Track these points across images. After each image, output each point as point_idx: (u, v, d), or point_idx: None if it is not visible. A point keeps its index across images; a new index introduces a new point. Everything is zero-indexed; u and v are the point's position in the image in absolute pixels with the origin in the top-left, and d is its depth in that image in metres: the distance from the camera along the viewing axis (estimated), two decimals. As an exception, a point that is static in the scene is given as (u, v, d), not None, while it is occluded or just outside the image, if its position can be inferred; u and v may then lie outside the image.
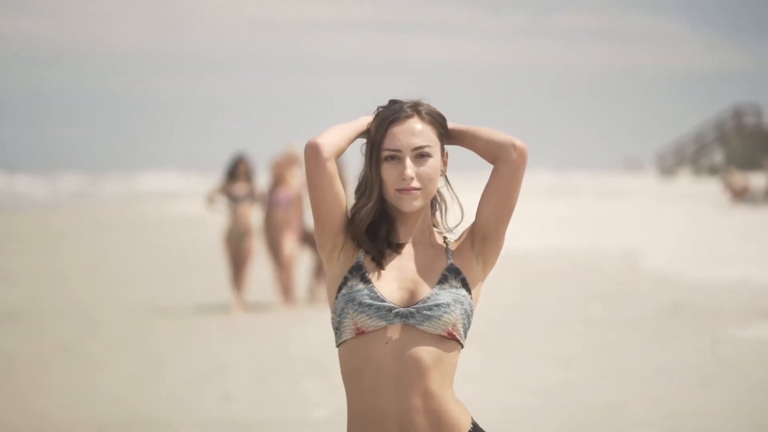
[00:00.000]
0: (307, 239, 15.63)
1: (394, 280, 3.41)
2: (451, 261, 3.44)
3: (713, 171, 55.49)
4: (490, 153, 3.43)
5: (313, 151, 3.36)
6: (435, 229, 3.53)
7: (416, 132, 3.40)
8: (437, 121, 3.45)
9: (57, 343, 12.14)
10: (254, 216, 15.36)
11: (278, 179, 15.49)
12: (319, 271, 15.64)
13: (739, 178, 36.21)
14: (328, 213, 3.42)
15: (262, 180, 16.00)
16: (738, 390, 9.04)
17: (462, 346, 3.40)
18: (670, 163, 61.56)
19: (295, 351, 11.55)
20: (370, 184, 3.43)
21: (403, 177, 3.38)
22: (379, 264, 3.41)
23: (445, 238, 3.52)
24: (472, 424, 3.42)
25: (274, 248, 15.36)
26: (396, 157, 3.40)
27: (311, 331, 12.85)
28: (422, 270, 3.42)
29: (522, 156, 3.41)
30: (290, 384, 9.74)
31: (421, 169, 3.39)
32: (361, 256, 3.42)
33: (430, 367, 3.34)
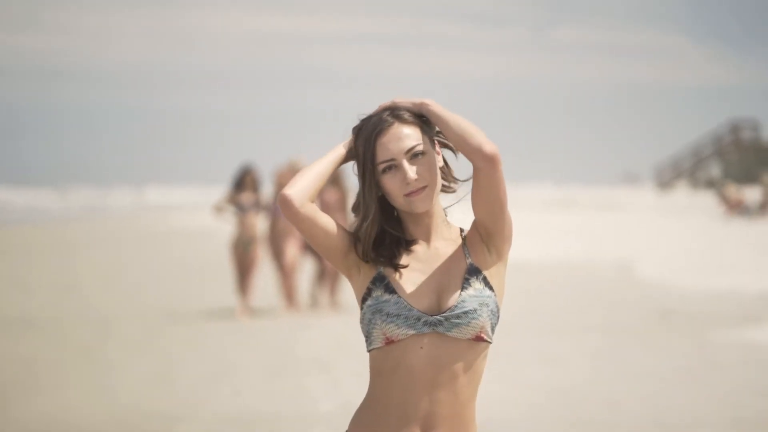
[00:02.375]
0: (309, 247, 16.17)
1: (419, 285, 3.42)
2: (470, 260, 3.45)
3: (710, 185, 55.99)
4: (461, 150, 3.43)
5: (284, 204, 3.38)
6: (448, 221, 3.54)
7: (403, 136, 3.42)
8: (418, 117, 3.47)
9: (75, 346, 12.67)
10: (259, 225, 15.90)
11: (282, 189, 16.03)
12: (320, 278, 16.19)
13: (734, 192, 36.75)
14: (325, 246, 3.45)
15: (267, 190, 16.54)
16: (722, 388, 9.56)
17: (490, 343, 3.44)
18: (668, 177, 62.09)
19: (299, 351, 12.08)
20: (367, 201, 3.44)
21: (407, 182, 3.40)
22: (399, 271, 3.42)
23: (461, 230, 3.53)
24: None
25: (278, 256, 15.91)
26: (393, 167, 3.41)
27: (314, 334, 13.37)
28: (445, 272, 3.44)
29: (492, 163, 3.38)
30: (296, 381, 10.26)
31: (420, 167, 3.41)
32: (381, 267, 3.44)
33: (461, 374, 3.38)
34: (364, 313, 3.41)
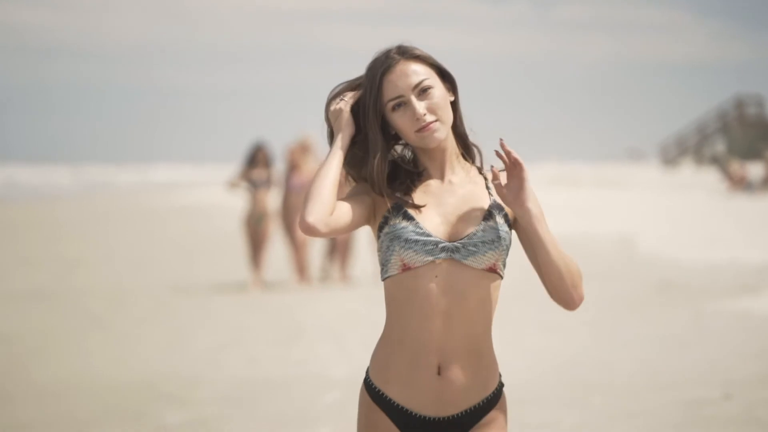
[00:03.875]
0: (320, 222, 16.62)
1: (436, 215, 3.42)
2: (493, 197, 3.47)
3: (715, 161, 56.32)
4: (545, 280, 3.53)
5: (309, 233, 3.37)
6: (469, 163, 3.54)
7: (410, 72, 3.40)
8: (424, 54, 3.46)
9: (88, 317, 13.10)
10: (271, 200, 16.35)
11: (293, 166, 16.46)
12: (331, 252, 16.63)
13: (737, 167, 37.10)
14: (356, 225, 3.46)
15: (279, 167, 16.97)
16: (714, 352, 9.98)
17: (502, 278, 3.47)
18: (673, 154, 62.35)
19: (310, 322, 12.51)
20: (372, 137, 3.41)
21: (416, 117, 3.38)
22: (415, 202, 3.42)
23: (480, 169, 3.54)
24: (500, 382, 3.50)
25: (290, 230, 16.35)
26: (402, 104, 3.39)
27: (325, 306, 13.80)
28: (464, 204, 3.44)
29: (569, 308, 3.57)
30: (308, 349, 10.69)
31: (428, 101, 3.39)
32: (401, 198, 3.45)
33: (476, 304, 3.39)
34: (382, 241, 3.41)
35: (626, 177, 50.82)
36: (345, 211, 3.41)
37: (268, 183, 16.25)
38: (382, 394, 3.42)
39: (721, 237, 20.88)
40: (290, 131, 17.63)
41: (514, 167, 3.43)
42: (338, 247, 16.42)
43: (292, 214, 16.37)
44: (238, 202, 30.74)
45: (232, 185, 16.37)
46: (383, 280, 3.42)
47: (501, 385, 3.47)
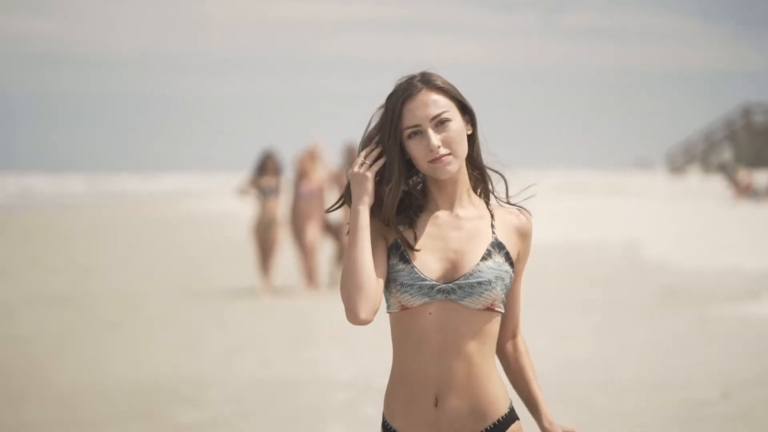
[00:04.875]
0: (329, 229, 16.87)
1: (436, 252, 3.43)
2: (495, 235, 3.46)
3: (722, 169, 56.50)
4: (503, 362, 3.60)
5: (361, 325, 3.40)
6: (476, 196, 3.53)
7: (430, 102, 3.42)
8: (447, 85, 3.47)
9: (102, 321, 13.35)
10: (280, 208, 16.60)
11: (301, 174, 16.71)
12: (339, 258, 16.87)
13: (744, 175, 37.29)
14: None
15: (288, 174, 17.23)
16: (715, 355, 10.19)
17: (502, 312, 3.46)
18: (680, 162, 62.53)
19: (319, 326, 12.75)
20: (391, 163, 3.42)
21: (430, 149, 3.39)
22: (418, 234, 3.43)
23: (488, 204, 3.54)
24: (510, 408, 3.46)
25: (299, 237, 16.60)
26: (418, 133, 3.42)
27: (333, 311, 14.04)
28: (467, 240, 3.44)
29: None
30: (317, 352, 10.93)
31: (444, 134, 3.42)
32: (400, 233, 3.45)
33: (471, 337, 3.39)
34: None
35: (633, 184, 50.99)
36: (381, 282, 3.40)
37: (277, 191, 16.50)
38: (390, 427, 3.48)
39: (725, 244, 21.08)
40: (299, 139, 17.90)
41: None
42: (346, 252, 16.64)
43: (300, 221, 16.62)
44: (247, 210, 30.99)
45: (242, 192, 16.64)
46: (387, 313, 3.47)
47: (509, 415, 3.45)
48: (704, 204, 34.32)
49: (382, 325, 3.45)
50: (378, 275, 3.39)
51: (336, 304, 14.82)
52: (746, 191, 35.82)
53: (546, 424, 3.53)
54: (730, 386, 8.75)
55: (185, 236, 28.11)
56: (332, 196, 17.01)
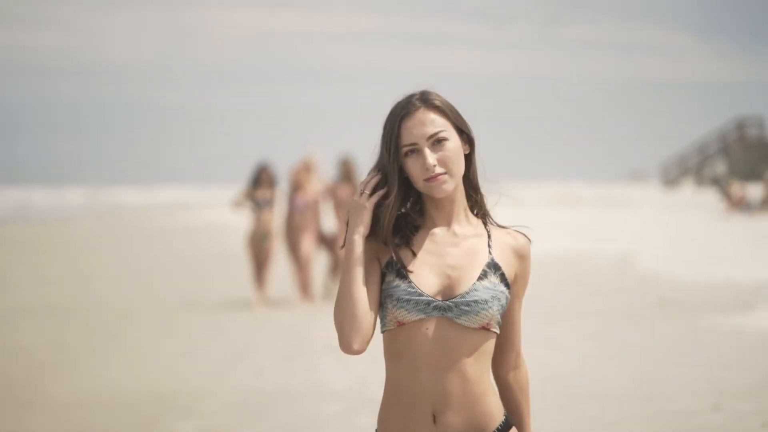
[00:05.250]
0: (323, 241, 17.00)
1: (433, 268, 3.45)
2: (492, 255, 3.48)
3: (716, 182, 56.68)
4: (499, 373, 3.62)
5: (354, 354, 3.45)
6: (473, 216, 3.56)
7: (427, 121, 3.45)
8: (445, 105, 3.50)
9: (100, 332, 13.47)
10: (275, 220, 16.72)
11: (296, 186, 16.84)
12: (334, 270, 17.01)
13: (737, 188, 37.48)
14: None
15: (283, 187, 17.36)
16: (706, 366, 10.32)
17: (497, 333, 3.49)
18: (674, 174, 62.73)
19: (313, 337, 12.88)
20: (390, 180, 3.46)
21: (426, 167, 3.42)
22: (415, 251, 3.46)
23: (485, 224, 3.56)
24: (505, 416, 3.50)
25: (293, 249, 16.72)
26: (415, 151, 3.44)
27: (327, 322, 14.13)
28: (462, 259, 3.46)
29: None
30: (312, 363, 11.05)
31: (441, 154, 3.44)
32: (396, 250, 3.47)
33: (467, 354, 3.41)
34: (381, 297, 3.45)
35: (627, 197, 51.16)
36: (374, 309, 3.44)
37: (271, 203, 16.63)
38: None
39: (718, 256, 21.23)
40: (294, 152, 18.04)
41: None
42: (340, 265, 16.76)
43: (295, 233, 16.74)
44: (243, 222, 31.06)
45: (237, 204, 16.76)
46: (382, 332, 3.49)
47: (505, 424, 3.49)
48: (698, 216, 34.49)
49: (376, 335, 3.47)
50: (371, 304, 3.42)
51: (330, 315, 14.93)
52: (739, 204, 36.00)
53: None
54: (721, 397, 8.87)
55: (183, 248, 28.24)
56: (327, 209, 17.13)
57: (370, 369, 10.42)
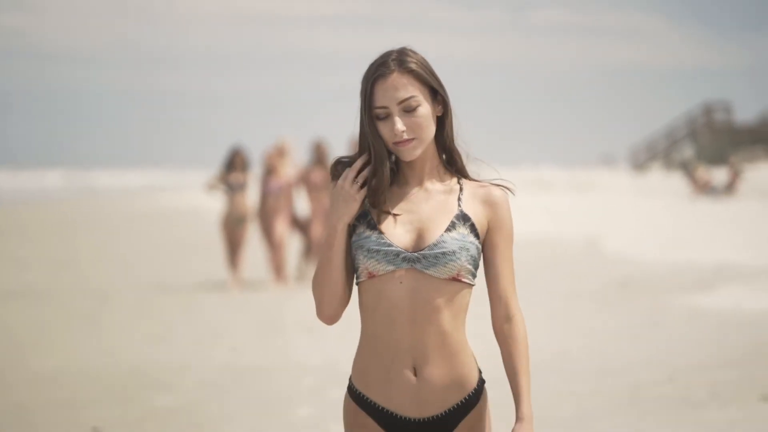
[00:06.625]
0: (297, 224, 17.37)
1: (402, 223, 3.46)
2: (461, 208, 3.49)
3: (683, 166, 57.22)
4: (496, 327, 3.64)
5: (329, 324, 3.54)
6: (449, 170, 3.57)
7: (399, 86, 3.45)
8: (421, 67, 3.49)
9: (77, 314, 13.80)
10: (248, 203, 17.07)
11: (270, 170, 17.19)
12: (307, 253, 17.38)
13: (702, 172, 38.01)
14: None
15: (256, 170, 17.71)
16: (664, 342, 10.76)
17: (473, 285, 3.49)
18: (643, 159, 63.24)
19: (287, 317, 13.25)
20: (375, 144, 3.48)
21: (394, 132, 3.44)
22: (385, 209, 3.47)
23: (459, 179, 3.56)
24: (479, 380, 3.55)
25: (267, 232, 17.08)
26: (385, 114, 3.46)
27: (300, 303, 14.54)
28: (431, 213, 3.47)
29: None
30: (285, 341, 11.43)
31: (411, 119, 3.45)
32: (368, 205, 3.49)
33: (441, 307, 3.43)
34: (352, 249, 3.49)
35: (597, 181, 51.66)
36: (350, 284, 3.52)
37: (244, 186, 16.98)
38: (365, 397, 3.48)
39: (682, 238, 21.71)
40: (268, 136, 18.37)
41: None
42: (314, 247, 17.14)
43: (269, 217, 17.09)
44: (216, 205, 31.40)
45: (210, 187, 17.10)
46: (356, 284, 3.51)
47: (481, 383, 3.54)
48: (664, 200, 35.01)
49: (348, 314, 3.67)
50: (347, 277, 3.48)
51: (303, 296, 15.32)
52: (705, 188, 36.55)
53: (516, 425, 3.52)
54: (675, 370, 9.31)
55: (157, 231, 28.54)
56: (300, 193, 17.48)
57: (343, 345, 10.81)
